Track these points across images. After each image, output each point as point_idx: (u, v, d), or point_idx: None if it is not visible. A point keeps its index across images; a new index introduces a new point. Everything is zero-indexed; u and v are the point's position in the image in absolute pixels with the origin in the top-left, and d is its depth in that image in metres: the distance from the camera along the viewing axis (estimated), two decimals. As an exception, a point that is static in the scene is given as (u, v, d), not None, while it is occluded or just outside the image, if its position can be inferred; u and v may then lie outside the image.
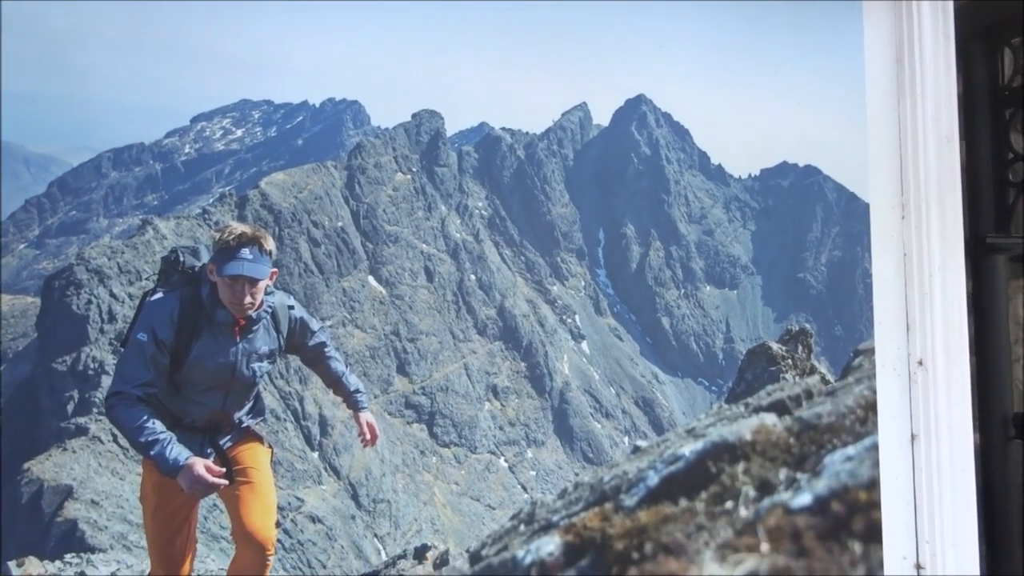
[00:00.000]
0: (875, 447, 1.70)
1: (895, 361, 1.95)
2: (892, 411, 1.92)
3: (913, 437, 1.93)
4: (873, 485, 1.51)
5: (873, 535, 1.43)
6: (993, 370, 2.08)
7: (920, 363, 1.93)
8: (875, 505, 1.48)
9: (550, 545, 1.59)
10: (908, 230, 1.96)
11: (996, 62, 2.20)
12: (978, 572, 1.86)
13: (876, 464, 1.62)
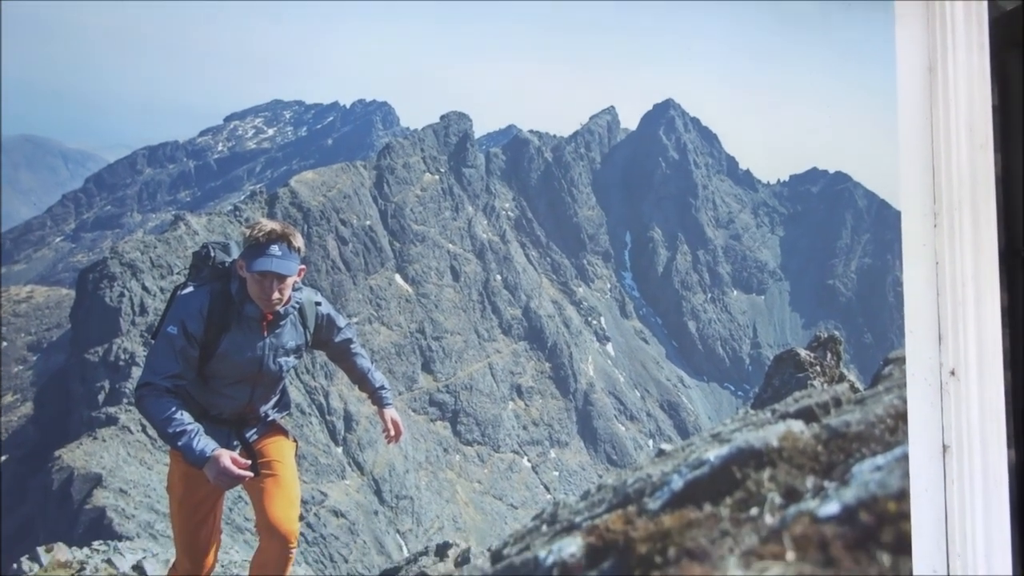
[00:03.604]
0: (905, 457, 1.66)
1: (926, 371, 1.91)
2: (923, 421, 1.88)
3: (945, 448, 1.89)
4: (903, 496, 1.48)
5: (902, 547, 1.40)
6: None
7: (952, 373, 1.89)
8: (905, 516, 1.45)
9: (572, 546, 1.58)
10: (940, 238, 1.92)
11: (1032, 73, 2.13)
12: (1011, 587, 1.81)
13: (906, 475, 1.58)
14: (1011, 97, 1.94)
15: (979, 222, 1.85)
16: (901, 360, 2.00)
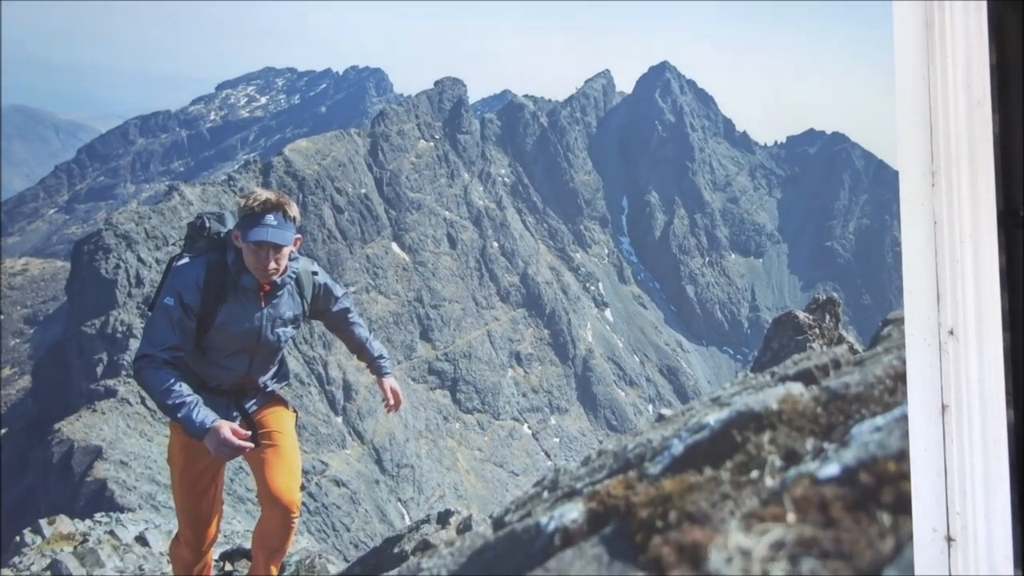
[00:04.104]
0: (904, 418, 1.67)
1: (925, 331, 1.90)
2: (922, 381, 1.88)
3: (944, 408, 1.89)
4: (902, 456, 1.48)
5: (902, 506, 1.40)
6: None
7: (951, 333, 1.89)
8: (904, 476, 1.45)
9: (573, 512, 1.59)
10: (939, 198, 1.90)
11: (1030, 30, 2.10)
12: (1010, 544, 1.83)
13: (905, 435, 1.59)
14: (1008, 55, 1.92)
15: (977, 181, 1.84)
16: (900, 321, 2.00)
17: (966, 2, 1.82)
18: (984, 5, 1.84)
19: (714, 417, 1.69)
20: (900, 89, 1.92)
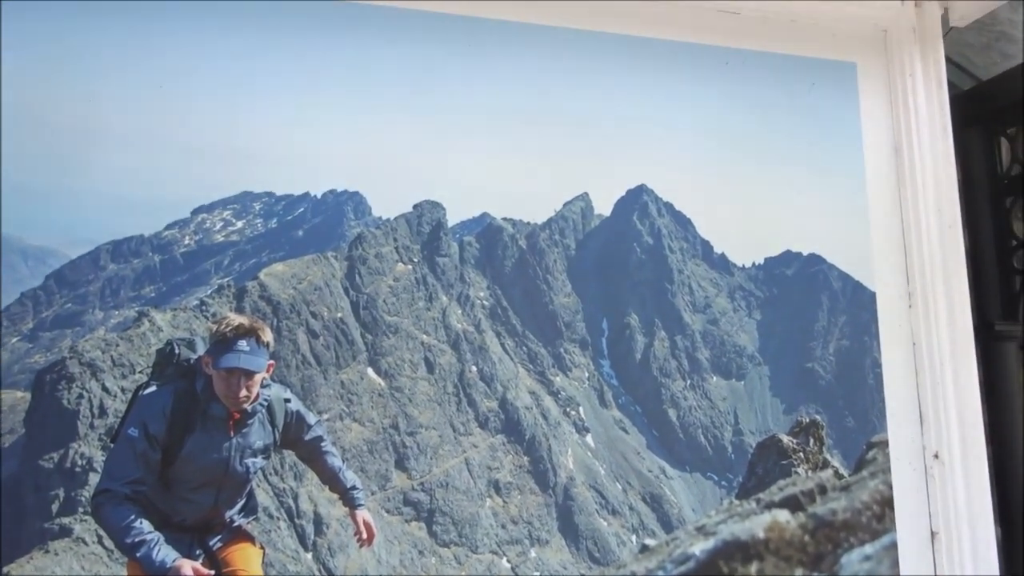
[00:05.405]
0: (894, 545, 1.62)
1: (910, 454, 1.88)
2: (910, 507, 1.84)
3: (933, 535, 1.84)
4: (895, 586, 1.42)
5: (899, 642, 1.33)
6: (1010, 459, 2.02)
7: (936, 456, 1.87)
8: (898, 608, 1.39)
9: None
10: (916, 318, 1.94)
11: (993, 151, 2.25)
12: None
13: (895, 563, 1.54)
14: (974, 172, 2.02)
15: (953, 301, 1.88)
16: (884, 444, 1.98)
17: (932, 127, 1.93)
18: (950, 131, 1.95)
19: (699, 547, 1.62)
20: (873, 212, 2.00)
